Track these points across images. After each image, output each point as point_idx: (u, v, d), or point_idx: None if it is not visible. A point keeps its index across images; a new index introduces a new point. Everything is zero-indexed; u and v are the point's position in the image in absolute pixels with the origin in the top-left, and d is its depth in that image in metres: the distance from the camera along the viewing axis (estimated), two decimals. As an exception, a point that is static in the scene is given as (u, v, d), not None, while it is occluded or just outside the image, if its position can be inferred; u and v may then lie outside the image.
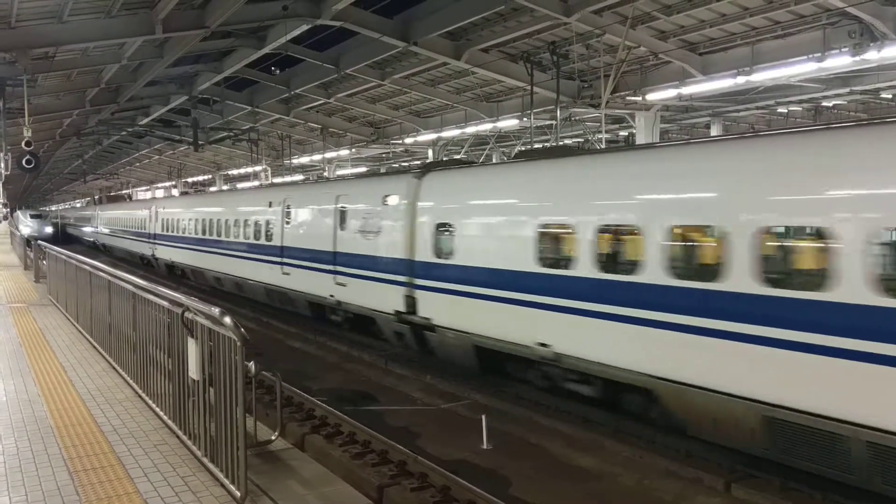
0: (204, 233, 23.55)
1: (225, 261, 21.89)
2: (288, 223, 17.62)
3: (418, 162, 37.76)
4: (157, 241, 29.96)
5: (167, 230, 28.26)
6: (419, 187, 12.81)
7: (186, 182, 54.90)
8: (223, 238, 21.84)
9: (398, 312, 12.95)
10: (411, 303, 12.62)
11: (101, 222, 45.42)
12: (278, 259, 17.86)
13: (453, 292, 11.50)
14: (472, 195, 11.85)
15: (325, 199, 15.94)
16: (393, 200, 13.41)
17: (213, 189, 45.83)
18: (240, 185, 43.10)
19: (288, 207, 17.68)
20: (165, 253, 28.73)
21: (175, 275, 28.21)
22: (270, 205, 18.62)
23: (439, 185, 12.72)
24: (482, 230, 11.31)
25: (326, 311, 16.35)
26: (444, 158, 26.29)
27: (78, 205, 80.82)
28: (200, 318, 5.20)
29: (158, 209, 30.01)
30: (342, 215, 15.03)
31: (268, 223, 18.63)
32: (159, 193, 56.75)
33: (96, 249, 45.43)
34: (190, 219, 25.25)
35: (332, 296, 15.36)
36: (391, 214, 13.34)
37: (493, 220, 11.09)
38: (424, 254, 12.25)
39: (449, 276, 11.63)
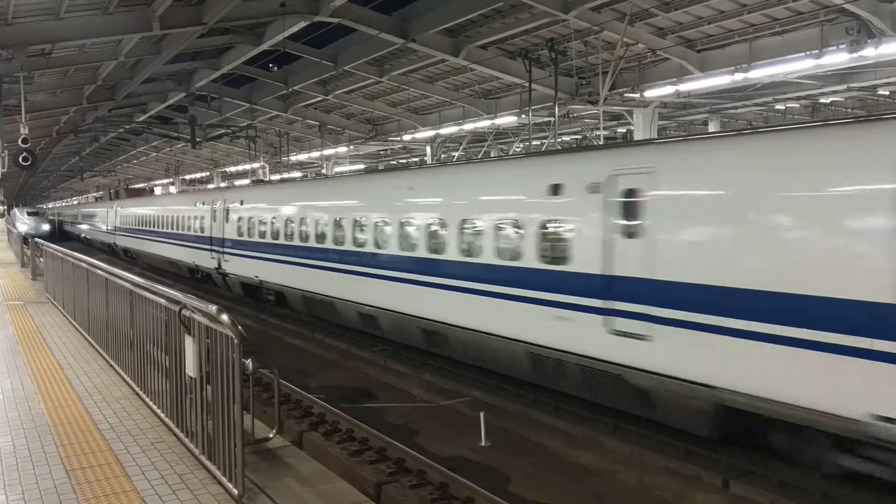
0: (341, 241, 14.91)
1: (399, 291, 12.95)
2: (642, 228, 8.47)
3: (416, 159, 37.74)
4: (226, 250, 21.09)
5: (249, 234, 19.51)
6: None
7: (184, 179, 54.77)
8: (399, 252, 12.97)
9: None
10: None
11: (123, 221, 35.95)
12: (597, 303, 8.98)
13: None
14: None
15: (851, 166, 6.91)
16: None
17: (347, 169, 32.88)
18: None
19: (655, 190, 8.44)
20: (243, 267, 19.96)
21: (258, 299, 19.76)
22: (557, 191, 9.68)
23: None
24: None
25: (821, 448, 7.23)
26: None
27: (77, 201, 79.78)
28: (198, 315, 5.18)
29: (231, 203, 20.99)
30: None
31: (547, 226, 9.93)
32: (157, 191, 54.62)
33: (112, 255, 37.53)
34: (307, 218, 16.44)
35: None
36: None
37: None
38: None
39: None
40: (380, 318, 13.75)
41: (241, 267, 20.19)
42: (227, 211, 21.09)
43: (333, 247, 15.18)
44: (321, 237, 15.71)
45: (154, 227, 29.58)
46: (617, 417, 9.61)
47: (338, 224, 15.12)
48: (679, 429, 8.56)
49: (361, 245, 14.22)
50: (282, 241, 17.52)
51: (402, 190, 13.48)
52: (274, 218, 18.13)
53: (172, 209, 27.38)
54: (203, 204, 23.43)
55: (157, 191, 53.60)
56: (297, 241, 16.79)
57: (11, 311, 13.14)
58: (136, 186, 54.14)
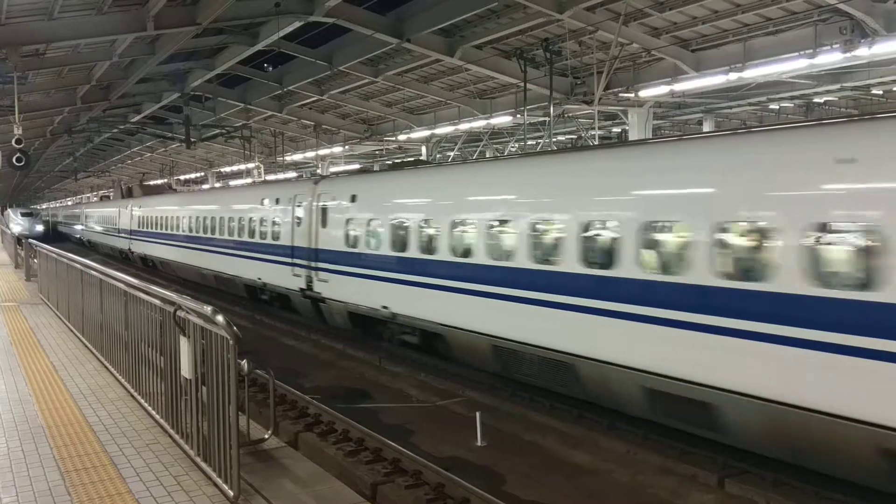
0: (605, 263, 8.70)
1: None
2: None
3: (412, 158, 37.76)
4: (321, 265, 15.19)
5: (371, 244, 13.57)
6: None
7: (179, 180, 54.64)
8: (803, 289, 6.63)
9: None
10: None
11: (142, 223, 30.44)
12: None
13: None
14: None
15: None
16: None
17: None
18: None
19: None
20: (357, 291, 13.92)
21: (378, 336, 14.27)
22: None
23: None
24: None
25: None
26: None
27: (72, 202, 79.01)
28: (192, 316, 5.17)
29: (330, 200, 15.12)
30: None
31: None
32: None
33: (126, 262, 33.03)
34: (513, 219, 10.19)
35: None
36: None
37: None
38: None
39: None
40: (723, 408, 7.45)
41: (351, 291, 14.11)
42: (324, 210, 15.20)
43: (584, 271, 8.89)
44: (552, 250, 9.50)
45: (189, 231, 23.79)
46: (612, 417, 9.63)
47: (602, 227, 8.95)
48: (673, 427, 8.35)
49: (667, 269, 8.03)
50: (443, 255, 11.40)
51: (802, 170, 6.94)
52: (427, 220, 12.02)
53: (220, 209, 21.51)
54: (276, 202, 17.58)
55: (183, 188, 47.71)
56: (483, 258, 10.58)
57: (5, 312, 13.09)
58: (154, 183, 47.44)
